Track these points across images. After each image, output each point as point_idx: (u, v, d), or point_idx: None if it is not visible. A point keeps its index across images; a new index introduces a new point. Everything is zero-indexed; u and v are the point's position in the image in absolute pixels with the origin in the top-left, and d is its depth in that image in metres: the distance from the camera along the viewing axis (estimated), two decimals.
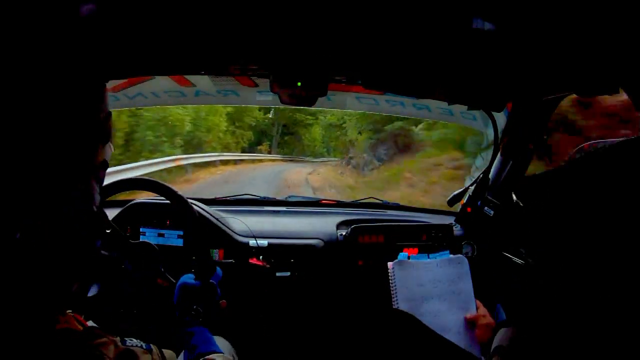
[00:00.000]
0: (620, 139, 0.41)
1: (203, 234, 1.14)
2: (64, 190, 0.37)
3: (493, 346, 0.58)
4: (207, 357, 0.71)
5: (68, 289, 0.40)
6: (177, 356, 0.82)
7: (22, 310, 0.36)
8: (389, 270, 1.10)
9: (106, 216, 0.98)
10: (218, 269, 0.95)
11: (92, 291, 0.99)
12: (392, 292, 1.08)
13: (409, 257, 1.19)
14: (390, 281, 1.09)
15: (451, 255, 1.15)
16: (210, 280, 0.91)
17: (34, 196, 0.35)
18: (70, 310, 0.42)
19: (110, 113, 0.44)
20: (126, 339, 0.41)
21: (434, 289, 1.08)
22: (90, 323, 0.45)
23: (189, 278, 0.92)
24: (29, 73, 0.35)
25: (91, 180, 0.41)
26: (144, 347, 0.42)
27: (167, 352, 0.44)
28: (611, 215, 0.38)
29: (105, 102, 0.43)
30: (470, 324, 1.02)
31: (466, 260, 1.12)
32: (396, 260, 1.12)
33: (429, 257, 1.17)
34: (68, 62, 0.38)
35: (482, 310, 1.04)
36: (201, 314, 0.84)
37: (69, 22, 0.39)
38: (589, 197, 0.40)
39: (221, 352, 0.75)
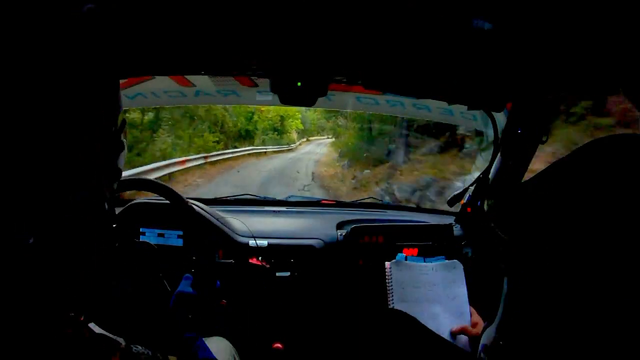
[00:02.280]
0: (620, 137, 0.41)
1: (203, 234, 1.14)
2: (75, 191, 0.38)
3: (480, 345, 0.58)
4: None
5: (76, 291, 0.40)
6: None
7: (32, 317, 0.36)
8: (386, 270, 1.12)
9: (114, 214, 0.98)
10: (217, 282, 0.95)
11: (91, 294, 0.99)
12: (388, 292, 1.09)
13: (406, 259, 1.20)
14: (387, 280, 1.10)
15: (446, 260, 1.16)
16: (207, 288, 0.91)
17: (47, 200, 0.35)
18: (73, 313, 0.42)
19: (124, 120, 0.43)
20: (131, 345, 0.41)
21: (428, 292, 1.09)
22: (94, 326, 0.45)
23: (186, 286, 0.91)
24: (42, 76, 0.35)
25: (102, 180, 0.41)
26: (150, 354, 0.42)
27: (172, 359, 0.44)
28: (610, 213, 0.38)
29: (120, 107, 0.43)
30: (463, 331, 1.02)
31: (461, 266, 1.13)
32: (394, 261, 1.13)
33: (424, 261, 1.18)
34: (80, 66, 0.38)
35: (476, 317, 1.04)
36: (197, 322, 0.84)
37: (76, 22, 0.39)
38: (588, 194, 0.40)
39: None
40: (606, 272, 0.38)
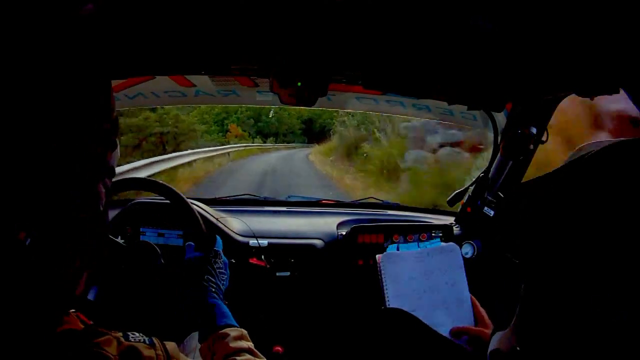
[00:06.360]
0: (622, 139, 0.41)
1: (203, 233, 1.14)
2: (71, 196, 0.38)
3: (489, 349, 0.56)
4: (220, 331, 0.71)
5: (73, 291, 0.40)
6: (179, 346, 0.81)
7: (27, 314, 0.36)
8: (377, 264, 1.04)
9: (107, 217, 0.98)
10: (218, 238, 0.95)
11: (91, 294, 0.99)
12: (382, 287, 1.02)
13: (398, 249, 1.15)
14: (379, 275, 1.03)
15: (442, 244, 1.11)
16: (215, 249, 0.91)
17: (42, 203, 0.36)
18: (73, 310, 0.42)
19: (117, 118, 0.44)
20: (128, 333, 0.41)
21: (426, 281, 1.02)
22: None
23: (191, 252, 0.92)
24: (33, 78, 0.35)
25: (99, 186, 0.41)
26: (146, 341, 0.42)
27: (170, 345, 0.44)
28: (611, 216, 0.38)
29: (113, 106, 0.43)
30: (464, 328, 0.98)
31: (458, 249, 1.08)
32: (385, 253, 1.05)
33: (419, 247, 1.13)
34: (73, 65, 0.38)
35: (479, 310, 0.99)
36: (214, 284, 0.83)
37: (72, 23, 0.39)
38: (587, 198, 0.40)
39: (236, 326, 0.75)
40: (620, 275, 0.37)
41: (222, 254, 0.92)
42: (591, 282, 0.39)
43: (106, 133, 0.42)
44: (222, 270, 0.89)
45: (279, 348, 1.23)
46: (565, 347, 0.41)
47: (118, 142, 0.44)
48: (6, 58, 0.34)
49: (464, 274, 1.04)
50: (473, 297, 1.02)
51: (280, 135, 24.54)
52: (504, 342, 0.51)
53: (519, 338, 0.48)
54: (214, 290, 0.82)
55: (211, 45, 0.77)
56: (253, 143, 17.80)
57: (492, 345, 0.55)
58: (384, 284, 1.03)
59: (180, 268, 0.91)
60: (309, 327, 1.28)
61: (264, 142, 20.78)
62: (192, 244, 0.94)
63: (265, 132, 23.14)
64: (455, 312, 0.99)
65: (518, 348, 0.47)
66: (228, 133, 17.44)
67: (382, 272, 1.03)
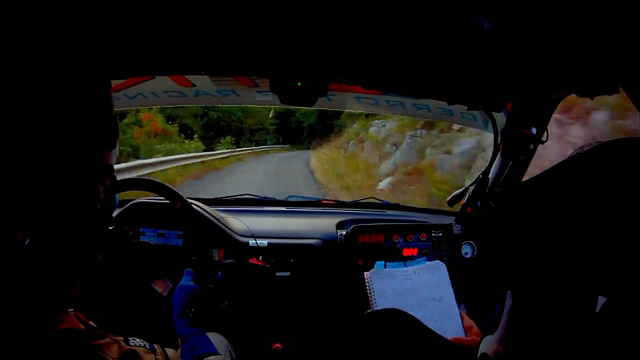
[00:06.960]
0: (621, 138, 0.41)
1: (203, 234, 1.14)
2: (70, 196, 0.38)
3: (479, 353, 0.56)
4: (205, 359, 0.71)
5: (72, 291, 0.41)
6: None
7: (26, 312, 0.36)
8: (365, 280, 1.08)
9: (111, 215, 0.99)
10: (219, 272, 0.95)
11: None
12: (370, 302, 1.06)
13: (385, 266, 1.18)
14: (367, 291, 1.07)
15: (428, 262, 1.14)
16: (209, 285, 0.91)
17: (41, 203, 0.36)
18: (72, 309, 0.42)
19: (116, 117, 0.44)
20: (129, 338, 0.41)
21: (413, 297, 1.06)
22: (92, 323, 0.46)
23: (187, 281, 0.92)
24: (34, 78, 0.35)
25: (98, 186, 0.41)
26: (147, 347, 0.42)
27: (170, 351, 0.44)
28: (609, 215, 0.38)
29: (112, 107, 0.43)
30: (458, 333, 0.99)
31: (444, 266, 1.11)
32: (373, 270, 1.11)
33: (405, 265, 1.17)
34: (74, 65, 0.38)
35: (467, 321, 1.01)
36: (198, 317, 0.84)
37: (71, 23, 0.39)
38: (585, 196, 0.40)
39: (219, 354, 0.75)
40: (611, 279, 0.37)
41: (216, 292, 0.92)
42: (590, 282, 0.39)
43: (105, 133, 0.42)
44: (210, 305, 0.90)
45: (279, 345, 1.23)
46: (554, 350, 0.41)
47: (117, 142, 0.44)
48: (6, 58, 0.34)
49: (451, 289, 1.07)
50: (462, 312, 1.03)
51: (246, 132, 16.21)
52: (491, 347, 0.52)
53: (505, 344, 0.48)
54: (197, 322, 0.84)
55: (211, 45, 0.77)
56: (187, 152, 8.79)
57: (481, 349, 0.55)
58: (373, 299, 1.06)
59: (170, 293, 0.91)
60: (309, 327, 1.28)
61: (213, 149, 11.08)
62: (192, 270, 0.94)
63: (222, 127, 13.30)
64: (444, 325, 1.01)
65: (504, 354, 0.47)
66: (140, 129, 8.48)
67: (371, 287, 1.07)
